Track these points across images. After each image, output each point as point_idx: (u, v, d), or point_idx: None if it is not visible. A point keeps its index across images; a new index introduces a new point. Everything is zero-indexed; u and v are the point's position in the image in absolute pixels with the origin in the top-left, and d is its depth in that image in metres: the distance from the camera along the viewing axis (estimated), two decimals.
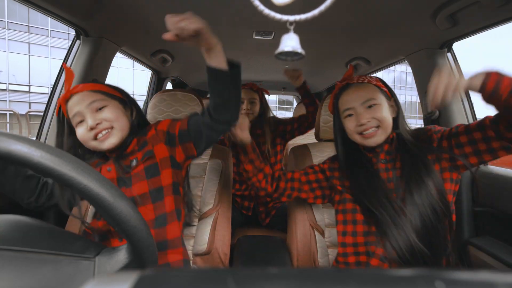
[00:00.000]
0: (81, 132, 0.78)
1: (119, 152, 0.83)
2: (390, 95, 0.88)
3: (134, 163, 0.83)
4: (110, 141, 0.79)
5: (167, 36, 0.65)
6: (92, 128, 0.76)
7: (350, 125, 0.86)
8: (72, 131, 0.81)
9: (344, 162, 0.92)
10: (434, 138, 0.82)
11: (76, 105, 0.78)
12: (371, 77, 0.89)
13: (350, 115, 0.86)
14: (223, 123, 0.77)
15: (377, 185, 0.82)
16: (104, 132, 0.78)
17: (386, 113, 0.83)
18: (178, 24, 0.64)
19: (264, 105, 1.64)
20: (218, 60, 0.72)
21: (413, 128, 0.90)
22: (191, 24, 0.64)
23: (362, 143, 0.85)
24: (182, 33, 0.65)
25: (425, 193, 0.76)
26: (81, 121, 0.78)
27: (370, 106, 0.83)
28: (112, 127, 0.79)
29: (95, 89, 0.81)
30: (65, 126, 0.82)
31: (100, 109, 0.79)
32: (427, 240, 0.75)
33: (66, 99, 0.80)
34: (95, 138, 0.78)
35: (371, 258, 0.81)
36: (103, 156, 0.86)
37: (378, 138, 0.82)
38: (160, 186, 0.82)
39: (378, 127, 0.82)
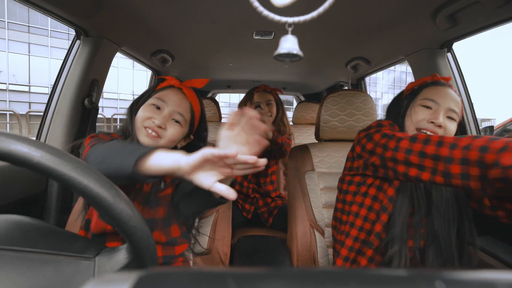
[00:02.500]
0: (144, 114, 0.76)
1: None
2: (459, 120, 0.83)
3: (162, 185, 0.81)
4: (149, 141, 0.76)
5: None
6: (153, 122, 0.75)
7: (421, 114, 0.78)
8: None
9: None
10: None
11: (169, 98, 0.77)
12: (461, 99, 0.84)
13: (428, 107, 0.79)
14: None
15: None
16: (154, 134, 0.75)
17: (453, 133, 0.78)
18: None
19: (280, 105, 1.60)
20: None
21: None
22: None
23: None
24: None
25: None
26: (156, 107, 0.77)
27: (449, 117, 0.78)
28: (161, 137, 0.76)
29: (194, 107, 0.81)
30: (150, 92, 0.81)
31: (174, 120, 0.78)
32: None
33: (172, 85, 0.80)
34: (146, 128, 0.76)
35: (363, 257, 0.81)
36: None
37: None
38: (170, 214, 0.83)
39: None
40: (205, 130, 0.88)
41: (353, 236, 0.84)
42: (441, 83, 0.82)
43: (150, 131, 0.75)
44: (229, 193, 0.52)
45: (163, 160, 0.53)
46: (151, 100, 0.78)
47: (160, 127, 0.75)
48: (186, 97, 0.80)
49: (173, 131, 0.77)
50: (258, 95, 1.56)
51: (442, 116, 0.77)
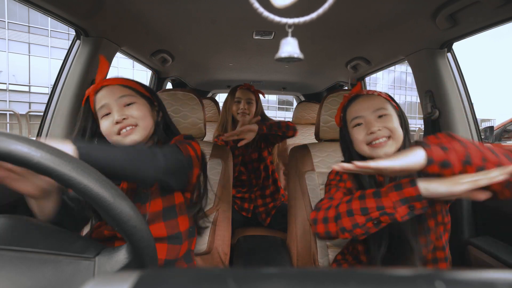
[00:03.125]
0: (105, 125, 0.76)
1: None
2: (399, 111, 0.84)
3: None
4: (132, 138, 0.77)
5: None
6: (117, 122, 0.75)
7: (358, 135, 0.81)
8: (94, 123, 0.80)
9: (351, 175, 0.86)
10: None
11: (105, 97, 0.77)
12: (380, 92, 0.86)
13: (359, 124, 0.82)
14: None
15: None
16: (128, 128, 0.76)
17: (397, 124, 0.79)
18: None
19: (259, 107, 1.63)
20: None
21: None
22: None
23: (371, 154, 0.79)
24: None
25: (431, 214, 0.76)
26: (107, 114, 0.77)
27: (380, 116, 0.80)
28: (136, 125, 0.78)
29: (126, 84, 0.80)
30: (89, 118, 0.80)
31: (128, 105, 0.78)
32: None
33: (96, 90, 0.79)
34: (119, 133, 0.76)
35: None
36: None
37: (388, 148, 0.77)
38: (174, 205, 0.82)
39: (389, 137, 0.77)
40: (155, 95, 0.88)
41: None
42: (354, 97, 0.86)
43: (123, 131, 0.76)
44: None
45: None
46: (99, 114, 0.78)
47: (122, 119, 0.75)
48: (114, 85, 0.79)
49: (135, 111, 0.78)
50: (240, 91, 1.59)
51: (374, 122, 0.79)
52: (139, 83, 0.85)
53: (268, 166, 1.61)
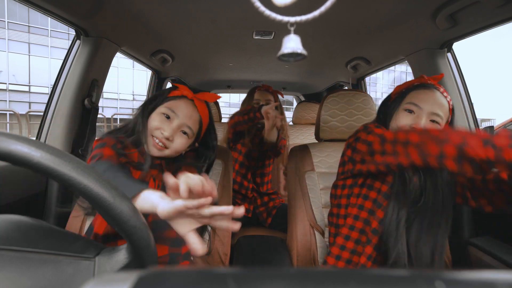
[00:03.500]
0: (156, 123, 0.78)
1: (165, 167, 0.82)
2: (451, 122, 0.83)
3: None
4: (156, 153, 0.78)
5: None
6: (162, 134, 0.77)
7: (404, 119, 0.79)
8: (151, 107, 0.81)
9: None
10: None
11: (181, 110, 0.79)
12: (450, 99, 0.83)
13: (411, 111, 0.80)
14: None
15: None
16: (160, 144, 0.78)
17: None
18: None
19: (279, 108, 1.60)
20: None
21: None
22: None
23: None
24: None
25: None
26: (167, 117, 0.79)
27: (433, 120, 0.78)
28: (168, 148, 0.79)
29: (203, 120, 0.83)
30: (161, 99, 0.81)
31: (182, 131, 0.79)
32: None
33: (183, 95, 0.81)
34: (153, 137, 0.78)
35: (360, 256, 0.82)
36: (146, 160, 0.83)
37: None
38: None
39: None
40: (214, 140, 0.90)
41: (349, 236, 0.84)
42: (428, 86, 0.82)
43: (157, 141, 0.77)
44: (198, 249, 0.50)
45: (143, 203, 0.55)
46: (162, 109, 0.79)
47: (167, 139, 0.77)
48: (197, 110, 0.82)
49: (179, 143, 0.79)
50: (259, 93, 1.60)
51: (424, 120, 0.78)
52: (211, 125, 0.87)
53: (266, 165, 1.62)
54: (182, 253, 0.83)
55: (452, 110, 0.83)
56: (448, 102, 0.82)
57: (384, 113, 0.87)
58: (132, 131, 0.81)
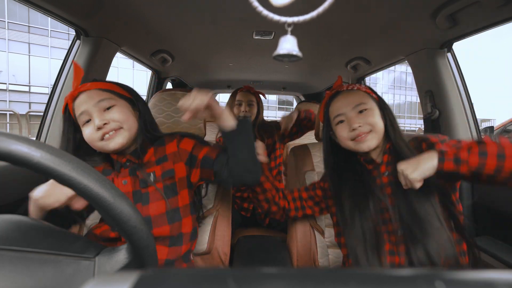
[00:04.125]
0: (88, 132, 0.75)
1: (134, 159, 0.81)
2: (379, 102, 0.87)
3: (152, 177, 0.80)
4: (116, 141, 0.76)
5: (186, 118, 0.72)
6: (99, 128, 0.74)
7: (342, 132, 0.84)
8: (77, 131, 0.79)
9: (333, 172, 0.90)
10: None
11: (83, 104, 0.76)
12: (360, 85, 0.89)
13: (341, 121, 0.85)
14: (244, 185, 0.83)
15: (371, 203, 0.81)
16: (111, 133, 0.75)
17: (377, 118, 0.82)
18: (191, 107, 0.70)
19: (260, 109, 1.66)
20: (227, 124, 0.77)
21: (409, 136, 0.87)
22: (201, 101, 0.71)
23: (356, 148, 0.83)
24: (196, 111, 0.72)
25: (430, 210, 0.75)
26: (88, 121, 0.76)
27: (361, 111, 0.83)
28: (120, 128, 0.77)
29: (103, 88, 0.79)
30: (71, 126, 0.80)
31: (108, 108, 0.77)
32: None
33: (73, 97, 0.78)
34: (102, 138, 0.75)
35: None
36: (115, 164, 0.83)
37: (370, 142, 0.81)
38: (177, 207, 0.82)
39: (370, 131, 0.81)
40: (136, 96, 0.87)
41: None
42: (336, 93, 0.89)
43: (106, 136, 0.75)
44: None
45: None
46: (80, 122, 0.77)
47: (104, 124, 0.74)
48: (90, 90, 0.78)
49: (116, 115, 0.77)
50: (241, 94, 1.62)
51: (355, 118, 0.82)
52: (117, 85, 0.83)
53: (276, 167, 1.62)
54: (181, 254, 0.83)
55: (374, 93, 0.89)
56: (359, 87, 0.87)
57: (328, 142, 0.92)
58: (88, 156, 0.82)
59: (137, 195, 0.78)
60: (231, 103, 1.64)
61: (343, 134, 0.84)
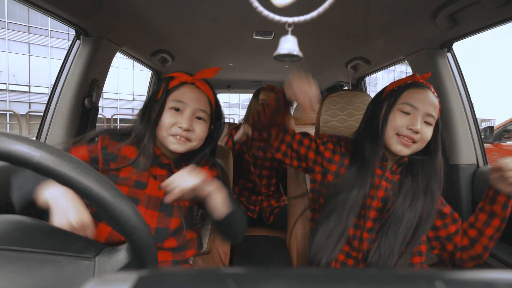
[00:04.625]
0: (170, 120, 0.74)
1: (173, 167, 0.80)
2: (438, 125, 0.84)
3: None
4: (180, 147, 0.75)
5: (168, 200, 0.67)
6: (182, 128, 0.73)
7: (399, 120, 0.78)
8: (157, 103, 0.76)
9: (358, 153, 0.85)
10: None
11: (188, 97, 0.75)
12: (439, 100, 0.84)
13: (407, 113, 0.78)
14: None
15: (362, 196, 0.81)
16: (183, 139, 0.74)
17: (430, 136, 0.80)
18: (177, 188, 0.65)
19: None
20: (217, 212, 0.72)
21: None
22: (191, 183, 0.65)
23: (393, 145, 0.79)
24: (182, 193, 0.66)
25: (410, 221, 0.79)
26: (176, 110, 0.75)
27: (426, 122, 0.79)
28: (190, 141, 0.76)
29: (211, 98, 0.80)
30: (164, 93, 0.77)
31: (198, 118, 0.77)
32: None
33: (185, 81, 0.77)
34: (174, 135, 0.74)
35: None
36: (154, 158, 0.79)
37: (407, 151, 0.78)
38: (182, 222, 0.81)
39: (414, 142, 0.78)
40: (220, 118, 0.86)
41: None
42: (421, 85, 0.81)
43: (178, 137, 0.74)
44: None
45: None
46: (169, 104, 0.75)
47: (187, 130, 0.74)
48: (202, 91, 0.78)
49: (200, 130, 0.76)
50: (264, 93, 1.61)
51: (419, 122, 0.78)
52: (216, 101, 0.83)
53: (276, 169, 1.62)
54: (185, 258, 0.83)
55: (440, 111, 0.83)
56: (438, 102, 0.82)
57: (375, 111, 0.85)
58: (140, 140, 0.77)
59: (163, 204, 0.77)
60: (254, 103, 1.63)
61: (398, 123, 0.78)
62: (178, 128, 0.73)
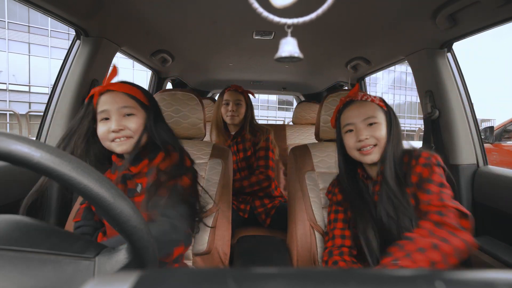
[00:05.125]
0: (102, 129, 0.79)
1: (128, 166, 0.81)
2: (390, 117, 0.89)
3: (139, 188, 0.81)
4: (123, 147, 0.79)
5: None
6: (113, 131, 0.77)
7: (349, 141, 0.88)
8: (92, 121, 0.82)
9: (346, 177, 0.94)
10: (416, 171, 0.81)
11: (107, 103, 0.79)
12: (374, 96, 0.91)
13: (350, 130, 0.88)
14: None
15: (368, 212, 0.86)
16: (122, 139, 0.79)
17: (384, 132, 0.86)
18: None
19: (249, 108, 1.65)
20: None
21: (404, 148, 0.88)
22: None
23: (360, 159, 0.87)
24: None
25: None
26: (106, 119, 0.79)
27: (370, 124, 0.86)
28: (131, 137, 0.80)
29: (131, 94, 0.82)
30: (90, 114, 0.81)
31: (128, 115, 0.80)
32: None
33: (101, 92, 0.80)
34: (113, 140, 0.79)
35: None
36: (113, 164, 0.86)
37: (374, 156, 0.85)
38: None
39: (375, 145, 0.85)
40: (155, 105, 0.88)
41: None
42: (349, 102, 0.91)
43: (118, 140, 0.78)
44: None
45: None
46: (98, 116, 0.80)
47: (120, 130, 0.77)
48: (118, 91, 0.81)
49: (132, 124, 0.80)
50: (228, 93, 1.62)
51: (363, 130, 0.85)
52: (144, 92, 0.85)
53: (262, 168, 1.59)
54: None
55: (386, 106, 0.90)
56: (373, 99, 0.89)
57: (339, 144, 0.95)
58: (88, 155, 0.81)
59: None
60: (218, 103, 1.64)
61: (350, 143, 0.88)
62: (112, 133, 0.78)
